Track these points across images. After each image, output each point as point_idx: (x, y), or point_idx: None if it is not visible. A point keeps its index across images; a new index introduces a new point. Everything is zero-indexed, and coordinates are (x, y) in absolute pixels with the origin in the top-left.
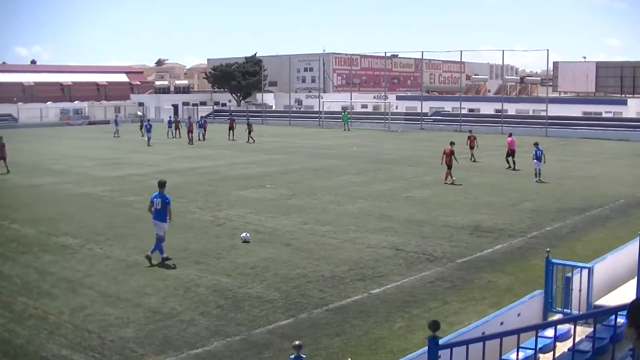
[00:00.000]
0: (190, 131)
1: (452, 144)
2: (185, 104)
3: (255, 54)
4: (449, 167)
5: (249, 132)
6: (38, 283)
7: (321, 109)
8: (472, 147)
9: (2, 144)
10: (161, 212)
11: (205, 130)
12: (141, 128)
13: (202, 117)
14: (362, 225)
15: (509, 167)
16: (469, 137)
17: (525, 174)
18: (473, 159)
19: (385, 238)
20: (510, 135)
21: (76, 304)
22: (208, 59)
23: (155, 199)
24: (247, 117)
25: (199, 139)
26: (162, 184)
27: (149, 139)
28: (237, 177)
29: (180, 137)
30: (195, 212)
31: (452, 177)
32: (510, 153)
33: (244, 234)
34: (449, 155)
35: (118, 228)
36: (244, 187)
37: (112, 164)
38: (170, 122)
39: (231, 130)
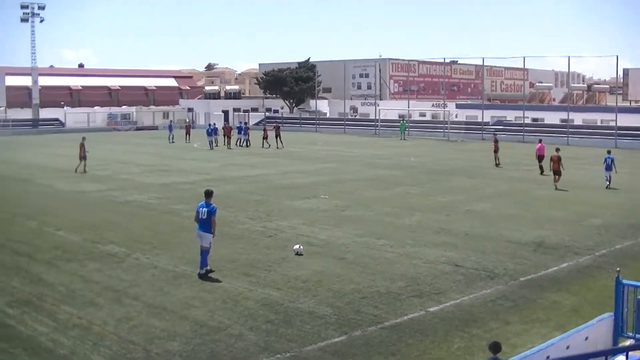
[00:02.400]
0: (227, 136)
1: (557, 150)
2: (236, 110)
3: (308, 59)
4: (556, 173)
5: (277, 137)
6: (83, 292)
7: (377, 117)
8: (496, 151)
9: (82, 144)
10: (206, 223)
11: (247, 136)
12: (187, 134)
13: (241, 122)
14: (420, 239)
15: (542, 172)
16: (494, 142)
17: (591, 186)
18: (497, 162)
19: (444, 253)
20: (540, 141)
21: (121, 314)
22: (260, 64)
23: (201, 209)
24: (275, 121)
25: (240, 145)
26: (208, 194)
27: (210, 142)
28: (289, 187)
29: (228, 146)
30: (245, 222)
31: (556, 183)
32: (539, 159)
33: (296, 246)
34: (557, 162)
35: (165, 237)
36: (296, 196)
37: (159, 170)
38: (210, 131)
39: (265, 140)
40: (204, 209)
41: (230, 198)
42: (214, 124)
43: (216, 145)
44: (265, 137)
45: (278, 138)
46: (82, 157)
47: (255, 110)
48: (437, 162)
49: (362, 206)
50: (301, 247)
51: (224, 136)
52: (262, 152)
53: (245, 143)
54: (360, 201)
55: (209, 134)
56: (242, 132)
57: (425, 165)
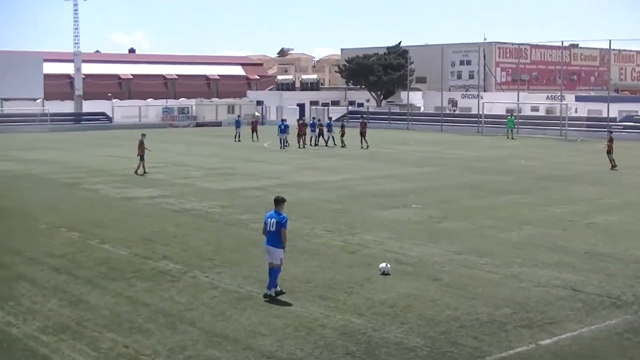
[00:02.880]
0: (301, 134)
1: None
2: (314, 103)
3: (399, 44)
4: None
5: (362, 135)
6: (130, 316)
7: (481, 112)
8: (609, 152)
9: (142, 141)
10: (275, 236)
11: (318, 134)
12: (253, 131)
13: (314, 117)
14: (530, 257)
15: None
16: (608, 141)
17: None
18: (613, 165)
19: (559, 275)
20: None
21: (174, 342)
22: (342, 49)
23: (269, 220)
24: (361, 117)
25: (314, 144)
26: (279, 201)
27: (281, 141)
28: (375, 194)
29: (302, 145)
30: (323, 236)
31: None
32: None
33: (382, 265)
34: None
35: (228, 252)
36: (382, 206)
37: (223, 174)
38: (282, 128)
39: (341, 138)
40: (273, 219)
41: (306, 207)
42: (284, 120)
43: (286, 145)
44: (342, 135)
45: (363, 137)
46: (142, 157)
47: (336, 103)
48: (552, 166)
49: (461, 218)
50: (388, 265)
51: (298, 135)
52: (344, 154)
53: (315, 140)
54: (458, 212)
55: (281, 131)
56: (313, 129)
57: (538, 170)
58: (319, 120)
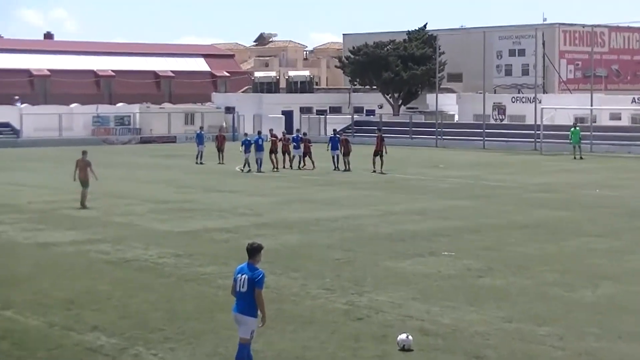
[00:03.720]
0: (284, 151)
1: None
2: (306, 110)
3: (424, 27)
4: None
5: (378, 154)
6: None
7: (539, 122)
8: None
9: (84, 161)
10: (247, 299)
11: (308, 153)
12: (220, 150)
13: (298, 130)
14: (610, 326)
15: None
16: None
17: None
18: None
19: None
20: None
21: None
22: (344, 35)
23: (239, 276)
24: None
25: (296, 166)
26: (253, 250)
27: (257, 161)
28: (391, 237)
29: (283, 165)
30: (319, 296)
31: None
32: None
33: (402, 336)
34: None
35: (185, 320)
36: (402, 254)
37: (179, 210)
38: (257, 144)
39: (345, 157)
40: (244, 276)
41: (295, 255)
42: (260, 134)
43: (260, 170)
44: (345, 153)
45: (378, 156)
46: (84, 184)
47: (336, 110)
48: None
49: (512, 270)
50: (410, 337)
51: (282, 152)
52: (349, 181)
53: (299, 162)
54: (509, 262)
55: (257, 148)
56: (297, 145)
57: (620, 203)
58: (304, 133)
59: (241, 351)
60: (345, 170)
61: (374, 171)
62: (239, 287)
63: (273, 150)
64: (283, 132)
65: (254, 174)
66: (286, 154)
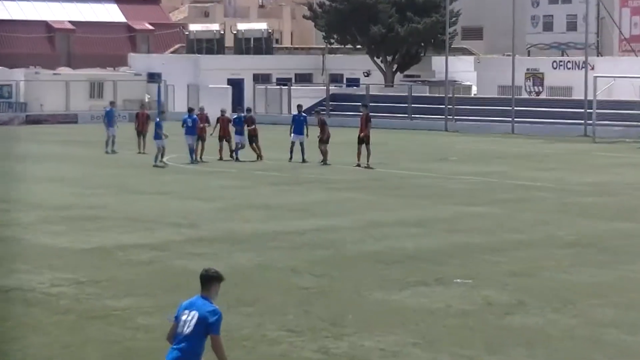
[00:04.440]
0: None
1: None
2: (263, 79)
3: None
4: None
5: (364, 142)
6: None
7: (591, 96)
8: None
9: None
10: (192, 345)
11: (254, 138)
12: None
13: (240, 110)
14: None
15: None
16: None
17: None
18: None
19: None
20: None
21: None
22: None
23: (186, 312)
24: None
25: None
26: (209, 279)
27: (191, 150)
28: (380, 257)
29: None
30: (281, 340)
31: None
32: None
33: None
34: None
35: None
36: (395, 281)
37: (82, 219)
38: (188, 127)
39: (321, 143)
40: (194, 312)
41: (248, 283)
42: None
43: (199, 159)
44: (323, 139)
45: (364, 144)
46: None
47: (305, 79)
48: None
49: (552, 304)
50: None
51: (220, 137)
52: (325, 179)
53: (235, 152)
54: (546, 293)
55: (188, 131)
56: (239, 129)
57: None
58: (248, 110)
59: None
60: (322, 163)
61: (358, 165)
62: (183, 328)
63: (224, 136)
64: (222, 111)
65: (185, 164)
66: (224, 141)
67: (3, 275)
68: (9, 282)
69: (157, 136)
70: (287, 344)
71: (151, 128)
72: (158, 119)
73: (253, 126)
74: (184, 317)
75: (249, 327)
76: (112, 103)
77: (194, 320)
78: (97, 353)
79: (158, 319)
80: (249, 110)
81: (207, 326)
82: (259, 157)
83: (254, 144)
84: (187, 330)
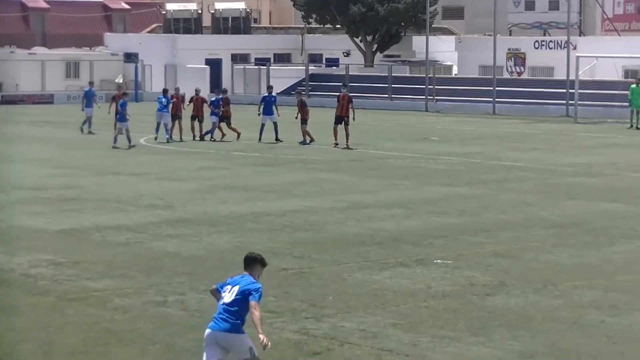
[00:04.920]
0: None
1: None
2: (241, 59)
3: None
4: None
5: (342, 121)
6: None
7: (573, 76)
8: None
9: None
10: (237, 312)
11: (226, 120)
12: (196, 116)
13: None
14: None
15: None
16: None
17: None
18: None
19: None
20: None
21: None
22: None
23: (227, 287)
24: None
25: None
26: (252, 260)
27: (166, 128)
28: (361, 239)
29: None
30: (266, 323)
31: None
32: None
33: None
34: None
35: (67, 356)
36: (376, 262)
37: (59, 199)
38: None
39: (303, 123)
40: (235, 287)
41: (225, 265)
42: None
43: (170, 139)
44: (303, 119)
45: (340, 124)
46: None
47: (284, 59)
48: None
49: (534, 286)
50: None
51: (193, 116)
52: (303, 159)
53: (208, 133)
54: (528, 274)
55: (161, 109)
56: (216, 110)
57: None
58: (224, 90)
59: None
60: (302, 143)
61: (336, 144)
62: (225, 299)
63: (196, 115)
64: (196, 90)
65: (165, 145)
66: (197, 120)
67: None
68: None
69: (122, 118)
70: (267, 325)
71: (132, 109)
72: (122, 101)
73: (227, 107)
74: (226, 291)
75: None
76: (91, 83)
77: (235, 291)
78: (77, 334)
79: (135, 299)
80: (224, 91)
81: (248, 294)
82: (238, 135)
83: (230, 125)
84: (229, 298)
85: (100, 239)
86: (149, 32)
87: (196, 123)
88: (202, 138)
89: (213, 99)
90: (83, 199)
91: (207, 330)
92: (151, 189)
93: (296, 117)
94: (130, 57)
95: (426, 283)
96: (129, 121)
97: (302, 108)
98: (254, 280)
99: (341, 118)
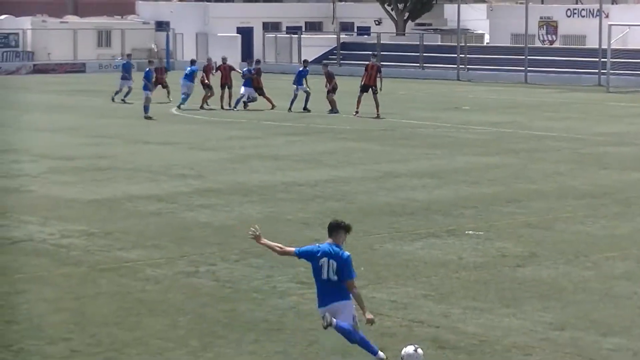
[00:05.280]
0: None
1: None
2: (271, 26)
3: None
4: None
5: (370, 88)
6: None
7: (605, 45)
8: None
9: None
10: (340, 286)
11: (259, 90)
12: (148, 84)
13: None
14: None
15: None
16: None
17: None
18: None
19: None
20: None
21: None
22: None
23: (324, 260)
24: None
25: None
26: (336, 227)
27: (184, 97)
28: (392, 209)
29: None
30: (290, 292)
31: None
32: None
33: (408, 350)
34: None
35: (100, 326)
36: (407, 233)
37: (90, 169)
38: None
39: (330, 93)
40: (332, 261)
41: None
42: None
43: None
44: (331, 89)
45: (366, 92)
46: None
47: (315, 27)
48: None
49: (566, 257)
50: (420, 350)
51: (222, 85)
52: (332, 128)
53: (238, 103)
54: (560, 245)
55: (186, 77)
56: (248, 81)
57: None
58: (257, 61)
59: (352, 334)
60: (332, 112)
61: (356, 113)
62: (327, 274)
63: (225, 83)
64: (223, 58)
65: (196, 116)
66: (227, 87)
67: (12, 227)
68: (18, 234)
69: (145, 87)
70: (297, 296)
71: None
72: (148, 69)
73: (257, 78)
74: (324, 266)
75: (258, 279)
76: (129, 55)
77: (334, 269)
78: (109, 305)
79: (167, 270)
80: (258, 62)
81: (344, 275)
82: (273, 105)
83: (264, 95)
84: (333, 276)
85: (132, 208)
86: (181, 0)
87: (226, 91)
88: (234, 106)
89: (245, 69)
90: (114, 168)
91: (320, 309)
92: (182, 159)
93: (326, 86)
94: (161, 26)
95: (457, 254)
96: (152, 92)
97: (330, 79)
98: (341, 251)
99: (368, 87)
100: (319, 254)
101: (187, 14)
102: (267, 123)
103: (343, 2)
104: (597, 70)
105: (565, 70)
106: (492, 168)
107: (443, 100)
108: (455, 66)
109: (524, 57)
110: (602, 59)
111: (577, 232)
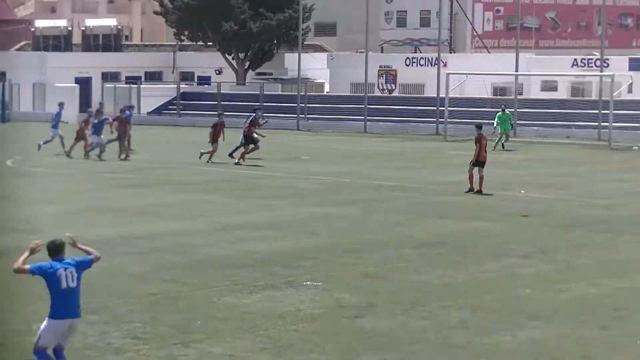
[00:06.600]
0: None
1: None
2: (112, 77)
3: None
4: None
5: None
6: None
7: (442, 93)
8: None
9: None
10: (78, 296)
11: (126, 137)
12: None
13: (97, 112)
14: None
15: None
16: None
17: None
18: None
19: None
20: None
21: None
22: None
23: (61, 270)
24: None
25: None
26: (59, 249)
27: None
28: (231, 262)
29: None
30: (125, 349)
31: None
32: None
33: None
34: None
35: None
36: (246, 285)
37: None
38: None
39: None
40: (70, 269)
41: (92, 290)
42: (60, 105)
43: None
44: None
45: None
46: None
47: (155, 77)
48: (586, 200)
49: (403, 306)
50: None
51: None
52: (171, 179)
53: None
54: (397, 295)
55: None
56: (97, 129)
57: (555, 208)
58: (128, 109)
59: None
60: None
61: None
62: (67, 283)
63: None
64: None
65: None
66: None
67: None
68: None
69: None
70: (133, 352)
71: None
72: (96, 120)
73: (126, 127)
74: (61, 274)
75: (93, 336)
76: (61, 105)
77: (74, 274)
78: None
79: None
80: (132, 107)
81: (84, 266)
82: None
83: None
84: (72, 283)
85: None
86: (18, 49)
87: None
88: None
89: (96, 121)
90: None
91: (64, 320)
92: (16, 213)
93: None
94: None
95: (295, 305)
96: None
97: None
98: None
99: (217, 135)
100: (53, 269)
101: (24, 63)
102: (105, 175)
103: (183, 52)
104: (435, 119)
105: (405, 119)
106: (332, 219)
107: (283, 150)
108: (296, 115)
109: (363, 106)
110: (440, 108)
111: (414, 281)
